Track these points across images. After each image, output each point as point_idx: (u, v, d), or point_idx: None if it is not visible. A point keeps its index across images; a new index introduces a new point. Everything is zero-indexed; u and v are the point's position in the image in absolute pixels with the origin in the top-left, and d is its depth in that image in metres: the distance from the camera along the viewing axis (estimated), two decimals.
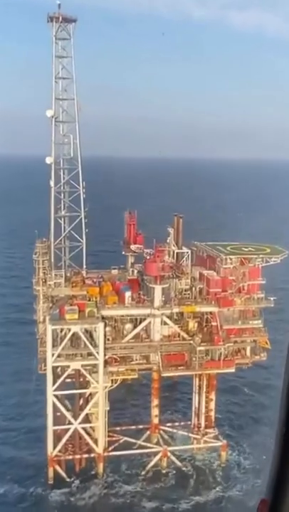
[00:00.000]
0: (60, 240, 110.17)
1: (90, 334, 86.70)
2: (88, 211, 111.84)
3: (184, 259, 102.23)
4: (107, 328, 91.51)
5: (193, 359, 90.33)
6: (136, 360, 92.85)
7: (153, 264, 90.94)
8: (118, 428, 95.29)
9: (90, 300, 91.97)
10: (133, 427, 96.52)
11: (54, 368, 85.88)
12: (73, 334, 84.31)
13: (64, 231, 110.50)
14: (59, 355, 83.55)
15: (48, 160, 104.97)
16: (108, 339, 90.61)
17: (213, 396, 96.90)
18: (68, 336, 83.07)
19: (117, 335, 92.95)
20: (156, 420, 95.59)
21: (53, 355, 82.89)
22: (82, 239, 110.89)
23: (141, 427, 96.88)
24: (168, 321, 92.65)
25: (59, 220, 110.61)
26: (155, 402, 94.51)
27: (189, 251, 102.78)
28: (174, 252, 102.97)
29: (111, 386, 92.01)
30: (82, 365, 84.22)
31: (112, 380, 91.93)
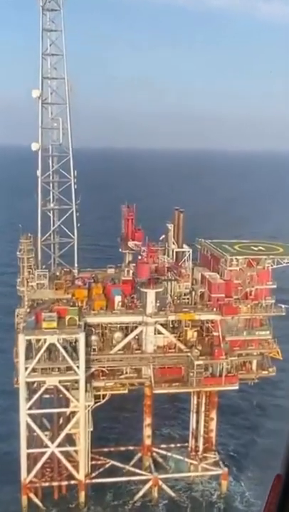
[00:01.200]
0: (49, 236, 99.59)
1: (71, 345, 75.70)
2: (81, 203, 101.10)
3: (185, 259, 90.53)
4: (94, 337, 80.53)
5: (191, 374, 78.78)
6: (126, 373, 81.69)
7: (144, 266, 79.53)
8: (105, 449, 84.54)
9: (74, 305, 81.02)
10: (123, 448, 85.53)
11: (30, 384, 75.35)
12: (52, 345, 73.43)
13: (53, 225, 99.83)
14: (34, 369, 72.82)
15: (34, 146, 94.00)
16: (94, 349, 79.72)
17: (214, 415, 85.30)
18: (44, 347, 72.22)
19: (106, 345, 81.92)
20: (148, 441, 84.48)
21: (26, 368, 72.17)
22: (73, 234, 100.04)
23: (131, 448, 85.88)
24: (162, 330, 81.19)
25: (48, 213, 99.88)
26: (148, 420, 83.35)
27: (190, 250, 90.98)
28: (173, 250, 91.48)
29: (97, 402, 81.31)
30: (60, 381, 73.30)
31: (100, 396, 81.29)
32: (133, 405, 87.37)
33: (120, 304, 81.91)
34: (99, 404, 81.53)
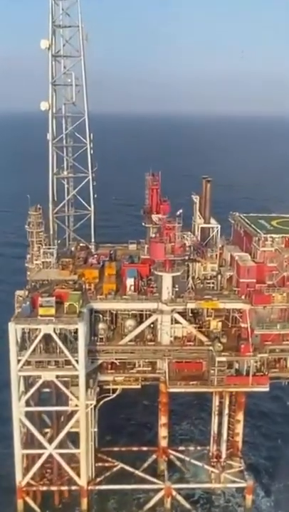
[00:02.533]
0: (62, 207, 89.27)
1: (73, 335, 65.83)
2: (99, 171, 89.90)
3: (212, 236, 78.30)
4: (101, 325, 70.38)
5: (212, 371, 67.58)
6: (139, 366, 71.37)
7: (158, 245, 67.94)
8: (115, 449, 75.18)
9: (80, 288, 70.83)
10: (135, 449, 75.93)
11: (26, 377, 66.36)
12: (49, 335, 63.79)
13: (67, 195, 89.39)
14: (28, 362, 63.55)
15: (43, 106, 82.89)
16: (101, 339, 69.70)
17: (240, 417, 74.08)
18: (38, 337, 62.64)
19: (116, 333, 71.71)
20: (164, 443, 74.41)
21: (19, 361, 62.99)
22: (90, 206, 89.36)
23: (145, 449, 76.13)
24: (181, 319, 69.98)
25: (62, 181, 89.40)
26: (163, 420, 73.10)
27: (218, 226, 78.58)
28: (198, 226, 79.38)
29: (106, 397, 71.77)
30: (57, 376, 63.80)
31: (109, 390, 71.67)
32: (149, 401, 77.15)
33: (133, 287, 71.05)
34: (108, 399, 72.21)
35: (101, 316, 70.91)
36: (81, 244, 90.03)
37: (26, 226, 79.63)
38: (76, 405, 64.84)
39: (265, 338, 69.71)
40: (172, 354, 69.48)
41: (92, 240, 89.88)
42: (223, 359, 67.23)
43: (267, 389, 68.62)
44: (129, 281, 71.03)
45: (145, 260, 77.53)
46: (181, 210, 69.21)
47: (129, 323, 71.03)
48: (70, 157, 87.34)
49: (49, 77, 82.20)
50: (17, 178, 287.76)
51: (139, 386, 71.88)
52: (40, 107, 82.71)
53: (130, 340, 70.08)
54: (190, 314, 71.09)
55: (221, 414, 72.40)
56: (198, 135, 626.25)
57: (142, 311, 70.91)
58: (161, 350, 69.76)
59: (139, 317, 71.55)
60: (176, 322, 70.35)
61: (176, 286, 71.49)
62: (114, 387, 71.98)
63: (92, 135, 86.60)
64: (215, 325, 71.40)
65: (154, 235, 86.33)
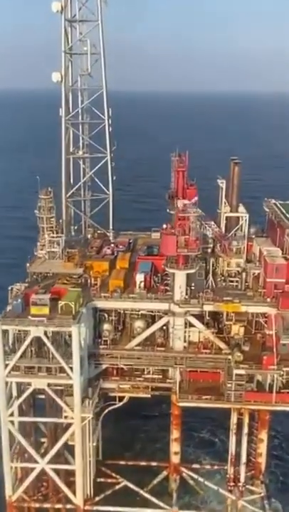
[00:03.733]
0: (77, 191, 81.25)
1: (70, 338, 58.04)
2: (118, 151, 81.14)
3: (238, 227, 68.16)
4: (106, 326, 62.39)
5: (228, 385, 58.34)
6: (148, 373, 63.02)
7: (169, 238, 58.67)
8: (122, 462, 67.42)
9: (85, 282, 62.82)
10: (143, 463, 67.97)
11: (19, 383, 59.37)
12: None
13: (83, 177, 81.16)
14: (17, 367, 56.37)
15: (55, 77, 74.49)
16: (106, 341, 61.73)
17: (264, 436, 64.54)
18: (27, 341, 55.22)
19: (124, 335, 63.57)
20: (175, 459, 65.92)
21: (7, 366, 55.93)
22: (108, 189, 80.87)
23: (155, 464, 67.99)
24: (196, 322, 60.91)
25: (79, 161, 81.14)
26: (175, 434, 64.54)
27: (246, 215, 68.28)
28: (223, 215, 69.34)
29: (112, 405, 64.06)
30: (48, 385, 56.37)
31: (115, 397, 63.88)
32: (162, 410, 68.67)
33: (142, 284, 62.36)
34: (114, 407, 64.50)
35: (106, 315, 62.82)
36: (98, 232, 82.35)
37: (36, 211, 72.28)
38: (70, 417, 57.16)
39: None
40: (185, 362, 60.63)
41: (111, 227, 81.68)
42: (242, 372, 57.79)
43: None
44: (139, 277, 62.36)
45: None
46: (196, 198, 59.46)
47: (138, 324, 62.63)
48: (87, 135, 79.03)
49: (62, 44, 73.66)
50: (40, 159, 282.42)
51: (148, 395, 63.62)
52: (52, 78, 74.33)
53: (138, 344, 61.72)
54: (208, 317, 61.78)
55: (238, 432, 63.00)
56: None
57: (152, 311, 62.31)
58: (172, 357, 61.05)
59: (150, 318, 63.03)
60: (191, 325, 61.39)
61: (193, 284, 62.37)
62: (121, 394, 64.08)
63: (110, 110, 77.77)
64: (236, 330, 61.86)
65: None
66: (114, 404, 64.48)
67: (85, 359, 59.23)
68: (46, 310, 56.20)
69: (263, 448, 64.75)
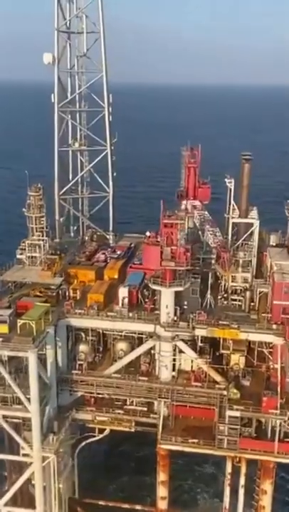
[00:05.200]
0: (74, 188, 72.48)
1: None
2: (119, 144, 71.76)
3: (247, 235, 57.60)
4: (82, 347, 53.44)
5: (221, 428, 48.25)
6: (131, 404, 53.64)
7: (152, 249, 48.79)
8: (101, 503, 58.28)
9: (49, 297, 53.46)
10: (126, 506, 58.63)
11: None
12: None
13: (80, 172, 72.19)
14: None
15: (46, 58, 65.84)
16: (81, 365, 52.78)
17: (268, 487, 53.57)
18: None
19: (105, 358, 54.48)
20: (162, 504, 55.95)
21: None
22: (108, 187, 71.69)
23: (139, 508, 58.49)
24: (186, 349, 51.02)
25: (78, 154, 72.19)
26: (162, 476, 54.60)
27: (257, 221, 57.64)
28: (229, 221, 58.94)
29: (92, 437, 55.20)
30: (4, 417, 47.93)
31: (95, 429, 54.95)
32: (150, 446, 58.90)
33: (126, 300, 52.92)
34: (93, 440, 55.67)
35: (83, 335, 53.83)
36: (98, 234, 73.44)
37: (25, 209, 64.02)
38: (28, 455, 48.61)
39: None
40: (171, 395, 50.92)
41: (110, 229, 72.59)
42: (236, 414, 47.52)
43: None
44: (122, 292, 52.96)
45: None
46: (184, 202, 49.39)
47: (121, 347, 53.42)
48: (84, 125, 70.09)
49: (55, 21, 64.85)
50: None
51: (132, 430, 54.29)
52: (43, 60, 65.66)
53: (119, 371, 52.46)
54: (201, 343, 51.73)
55: (233, 480, 52.64)
56: None
57: (139, 332, 52.89)
58: (156, 389, 51.41)
59: (136, 340, 53.62)
60: (180, 352, 51.62)
61: (185, 303, 52.49)
62: (100, 426, 55.09)
63: (110, 97, 68.49)
64: (236, 360, 51.58)
65: (189, 225, 68.10)
66: (94, 436, 55.69)
67: (53, 386, 50.63)
68: (5, 328, 47.76)
69: (266, 501, 53.73)
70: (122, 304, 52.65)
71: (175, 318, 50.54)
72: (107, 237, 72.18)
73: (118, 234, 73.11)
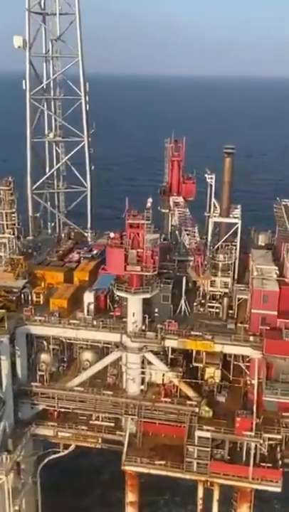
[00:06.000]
0: (49, 182, 67.89)
1: None
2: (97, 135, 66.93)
3: (227, 236, 52.71)
4: (44, 356, 48.98)
5: (190, 450, 43.76)
6: (97, 419, 49.21)
7: (115, 252, 44.04)
8: None
9: (10, 302, 48.96)
10: None
11: None
12: None
13: (53, 166, 67.45)
14: None
15: (17, 42, 61.01)
16: (42, 376, 48.39)
17: (245, 511, 49.10)
18: None
19: (74, 368, 50.06)
20: None
21: None
22: (86, 181, 66.98)
23: None
24: (156, 361, 46.46)
25: (56, 146, 67.42)
26: (130, 497, 50.14)
27: (238, 222, 52.73)
28: (210, 221, 54.12)
29: (55, 453, 50.86)
30: None
31: (58, 444, 50.62)
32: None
33: (92, 306, 48.36)
34: (56, 456, 51.35)
35: (45, 343, 49.36)
36: (75, 231, 68.86)
37: None
38: None
39: (284, 407, 44.00)
40: (138, 412, 46.44)
41: (89, 226, 68.01)
42: (206, 435, 42.96)
43: (278, 489, 43.37)
44: (88, 297, 48.38)
45: None
46: (150, 200, 44.45)
47: (86, 357, 48.95)
48: (59, 114, 65.37)
49: (25, 0, 59.99)
50: None
51: (98, 446, 49.91)
52: (13, 43, 60.92)
53: (83, 383, 48.05)
54: (172, 354, 47.16)
55: (205, 504, 48.10)
56: None
57: (105, 342, 48.34)
58: (121, 403, 46.96)
59: (103, 350, 49.10)
60: (150, 364, 47.08)
61: (156, 310, 47.87)
62: (65, 442, 50.78)
63: (87, 85, 63.69)
64: (211, 373, 46.95)
65: (174, 223, 63.48)
66: (58, 451, 51.38)
67: (8, 400, 46.25)
68: None
69: None
70: (88, 311, 48.11)
71: (143, 328, 45.93)
72: (85, 234, 67.57)
73: (98, 231, 68.39)
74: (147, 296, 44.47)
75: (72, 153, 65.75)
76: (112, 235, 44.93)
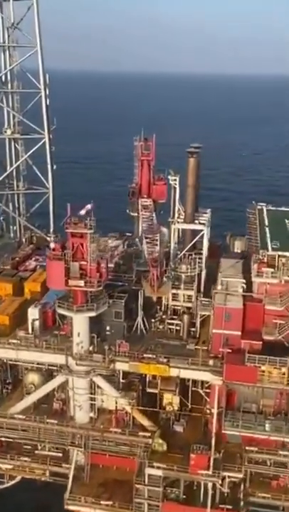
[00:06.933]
0: (11, 181, 62.65)
1: None
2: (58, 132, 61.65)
3: (190, 245, 47.45)
4: None
5: (139, 487, 38.62)
6: (43, 449, 44.08)
7: (54, 265, 38.76)
8: None
9: None
10: None
11: None
12: None
13: (13, 164, 62.17)
14: None
15: None
16: None
17: None
18: None
19: (19, 392, 44.86)
20: None
21: None
22: (47, 182, 61.74)
23: None
24: (105, 385, 41.25)
25: (15, 144, 62.13)
26: None
27: (204, 229, 47.46)
28: (172, 227, 48.82)
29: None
30: None
31: (4, 475, 45.53)
32: None
33: (37, 323, 43.16)
34: (3, 487, 46.28)
35: None
36: (37, 235, 63.65)
37: None
38: None
39: (248, 440, 38.81)
40: (85, 442, 41.29)
41: (51, 230, 62.76)
42: (158, 473, 37.80)
43: None
44: (32, 313, 43.17)
45: None
46: (90, 205, 39.11)
47: (31, 379, 43.79)
48: (17, 109, 60.07)
49: None
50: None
51: (45, 479, 44.80)
52: None
53: (27, 409, 42.91)
54: (123, 379, 41.97)
55: None
56: None
57: (50, 364, 43.15)
58: (67, 433, 41.80)
59: (50, 372, 43.94)
60: (99, 389, 41.89)
61: (108, 328, 42.66)
62: (12, 473, 45.67)
63: (48, 77, 58.43)
64: (169, 399, 41.75)
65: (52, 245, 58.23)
66: (2, 482, 46.32)
67: None
68: None
69: None
70: (32, 328, 42.95)
71: (91, 349, 40.75)
72: (48, 239, 62.30)
73: (62, 236, 63.02)
74: (92, 314, 39.20)
75: (32, 151, 60.46)
76: (52, 245, 39.70)
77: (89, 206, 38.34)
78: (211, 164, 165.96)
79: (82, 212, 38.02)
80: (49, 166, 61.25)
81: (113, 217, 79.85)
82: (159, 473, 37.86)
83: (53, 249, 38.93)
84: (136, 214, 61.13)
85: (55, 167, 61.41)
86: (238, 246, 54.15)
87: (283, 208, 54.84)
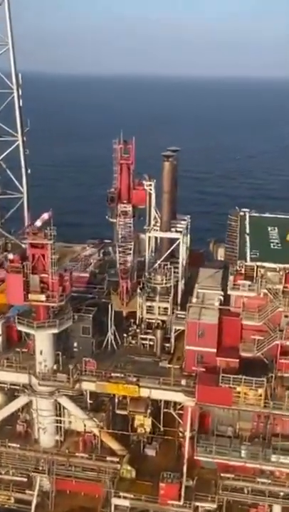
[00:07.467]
0: None
1: None
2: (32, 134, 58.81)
3: (166, 255, 44.58)
4: None
5: None
6: (7, 474, 41.10)
7: (13, 278, 35.86)
8: None
9: None
10: None
11: None
12: None
13: None
14: None
15: None
16: None
17: None
18: None
19: None
20: None
21: None
22: (21, 186, 58.90)
23: None
24: (72, 408, 38.32)
25: None
26: None
27: (180, 237, 44.55)
28: (148, 236, 45.99)
29: None
30: None
31: None
32: None
33: (1, 339, 40.27)
34: None
35: None
36: (12, 242, 60.73)
37: None
38: None
39: (223, 467, 35.89)
40: (49, 467, 38.34)
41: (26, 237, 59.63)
42: (125, 503, 34.85)
43: None
44: None
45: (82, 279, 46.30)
46: (46, 214, 36.24)
47: None
48: None
49: None
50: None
51: (11, 505, 41.74)
52: None
53: None
54: (90, 400, 39.02)
55: None
56: None
57: (12, 383, 40.18)
58: (34, 458, 38.85)
59: (13, 392, 41.00)
60: (64, 410, 38.96)
61: (75, 344, 39.78)
62: None
63: (20, 76, 55.61)
64: (141, 421, 38.81)
65: (124, 233, 55.28)
66: None
67: None
68: None
69: None
70: None
71: (55, 367, 37.83)
72: (23, 246, 59.29)
73: None
74: (54, 331, 36.30)
75: (5, 154, 57.53)
76: (10, 256, 36.83)
77: (46, 215, 35.48)
78: (204, 168, 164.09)
79: (38, 222, 35.21)
80: (23, 170, 58.35)
81: (97, 223, 76.99)
82: (126, 503, 34.93)
83: (11, 261, 36.08)
84: (115, 220, 58.56)
85: (29, 171, 58.62)
86: (221, 254, 51.27)
87: (267, 215, 51.91)
